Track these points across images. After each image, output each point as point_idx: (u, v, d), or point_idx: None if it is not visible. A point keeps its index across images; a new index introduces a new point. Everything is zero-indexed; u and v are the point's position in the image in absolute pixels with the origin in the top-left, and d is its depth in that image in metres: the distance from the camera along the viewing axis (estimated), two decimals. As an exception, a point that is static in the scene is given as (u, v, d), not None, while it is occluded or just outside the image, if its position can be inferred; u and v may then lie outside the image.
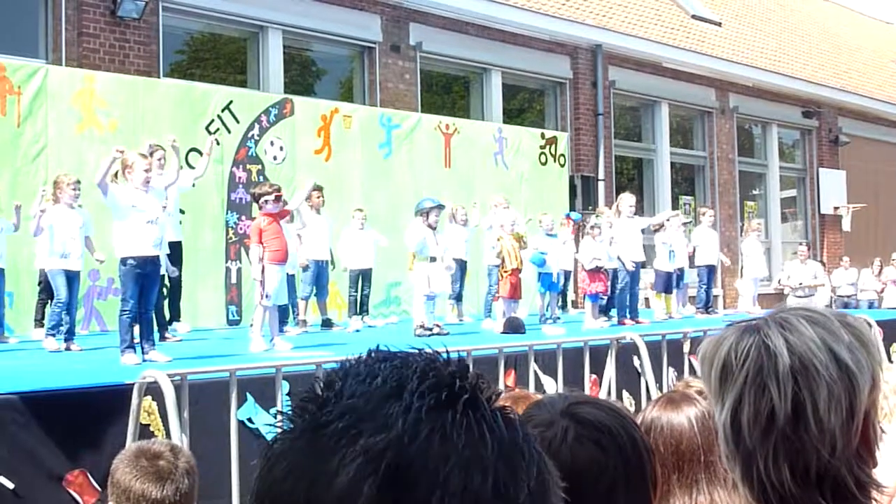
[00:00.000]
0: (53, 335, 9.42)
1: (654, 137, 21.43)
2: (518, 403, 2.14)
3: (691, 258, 15.24)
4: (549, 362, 8.54)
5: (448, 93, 18.56)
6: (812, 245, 23.90)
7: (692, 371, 9.59)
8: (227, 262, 13.09)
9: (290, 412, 0.88)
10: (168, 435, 5.75)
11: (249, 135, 13.42)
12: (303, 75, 16.31)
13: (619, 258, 13.06)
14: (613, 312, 13.25)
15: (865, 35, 32.16)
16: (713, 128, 22.51)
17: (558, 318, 13.36)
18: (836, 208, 25.06)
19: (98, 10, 12.94)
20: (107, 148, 11.26)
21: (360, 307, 12.65)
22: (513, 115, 18.65)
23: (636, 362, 9.15)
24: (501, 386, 7.33)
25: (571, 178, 18.25)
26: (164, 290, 10.55)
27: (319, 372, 6.55)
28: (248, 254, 12.78)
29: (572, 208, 17.03)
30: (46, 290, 10.39)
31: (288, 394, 6.59)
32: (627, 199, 13.49)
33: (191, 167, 12.23)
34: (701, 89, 22.06)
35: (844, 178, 25.44)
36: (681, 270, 14.73)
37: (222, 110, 13.15)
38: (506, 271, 11.90)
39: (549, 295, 13.23)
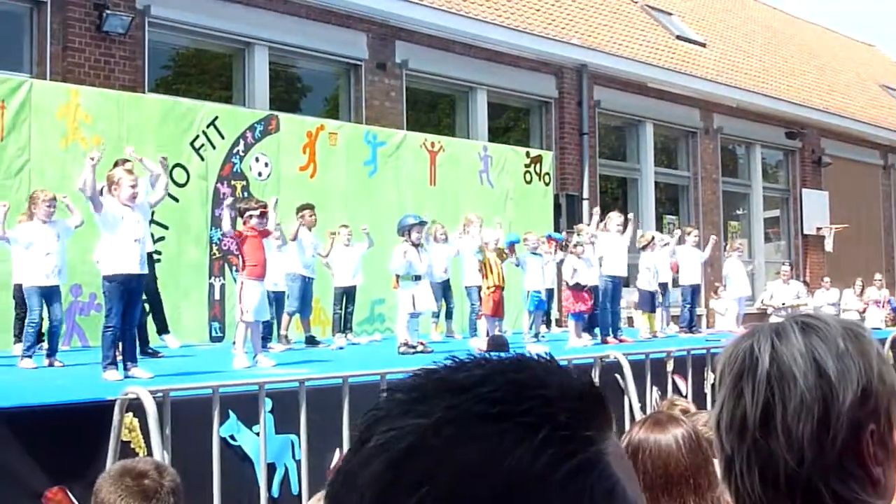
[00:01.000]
0: (30, 356, 9.24)
1: (639, 157, 21.50)
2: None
3: (674, 277, 15.28)
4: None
5: (433, 111, 18.59)
6: (795, 265, 24.02)
7: (676, 390, 9.60)
8: (210, 278, 13.04)
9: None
10: (150, 452, 5.71)
11: (234, 151, 13.40)
12: (288, 92, 16.30)
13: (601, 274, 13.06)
14: (597, 331, 13.25)
15: (848, 57, 32.40)
16: (697, 148, 22.60)
17: (542, 336, 13.36)
18: (818, 228, 25.17)
19: (83, 25, 12.91)
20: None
21: (343, 324, 12.62)
22: (498, 134, 18.69)
23: (620, 382, 9.14)
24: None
25: (556, 197, 18.28)
26: (146, 306, 10.47)
27: (301, 390, 6.53)
28: (231, 270, 12.78)
29: (557, 227, 17.07)
30: (22, 306, 10.31)
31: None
32: (616, 218, 13.51)
33: (176, 184, 12.22)
34: (685, 109, 22.15)
35: (827, 198, 25.56)
36: (664, 289, 14.76)
37: (207, 126, 13.13)
38: (489, 288, 11.89)
39: (535, 313, 13.24)
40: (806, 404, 1.33)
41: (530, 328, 13.39)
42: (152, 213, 9.98)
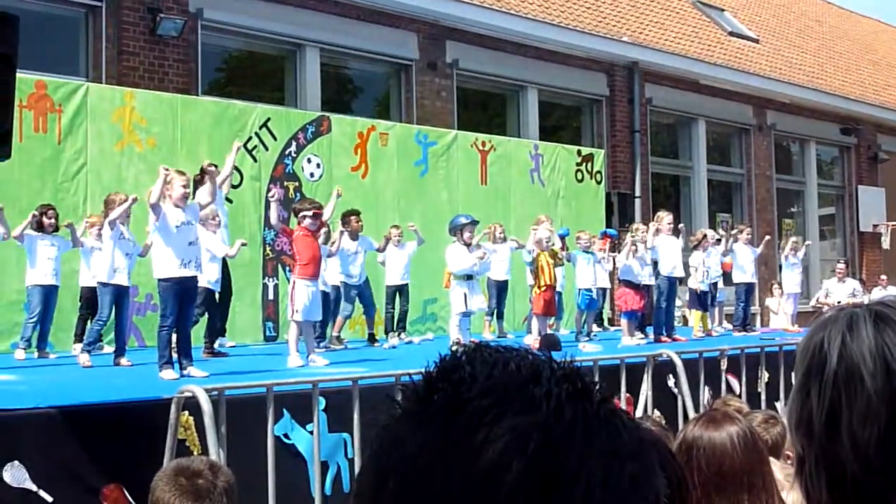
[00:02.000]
0: (89, 351, 9.46)
1: (691, 155, 21.32)
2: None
3: (727, 276, 15.15)
4: (586, 380, 8.45)
5: (484, 110, 18.58)
6: (851, 263, 23.67)
7: (729, 389, 9.52)
8: (263, 278, 13.14)
9: (416, 389, 0.87)
10: (205, 450, 5.77)
11: (287, 152, 13.50)
12: (339, 93, 16.38)
13: (657, 274, 13.00)
14: (650, 330, 13.18)
15: (905, 51, 31.89)
16: (751, 145, 22.38)
17: (595, 335, 13.32)
18: (875, 226, 24.81)
19: (138, 29, 13.07)
20: (146, 165, 11.45)
21: (396, 323, 12.66)
22: (549, 133, 18.62)
23: (671, 381, 9.09)
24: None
25: (608, 196, 18.19)
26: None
27: (354, 389, 6.56)
28: (285, 270, 12.88)
29: (609, 225, 16.99)
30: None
31: (325, 410, 6.58)
32: (667, 217, 13.40)
33: (230, 185, 12.36)
34: (738, 106, 21.94)
35: (884, 195, 25.19)
36: (715, 288, 14.65)
37: (260, 128, 13.24)
38: (540, 288, 11.87)
39: (587, 312, 13.20)
40: (872, 408, 1.24)
41: (582, 327, 13.34)
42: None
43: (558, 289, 12.95)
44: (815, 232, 24.18)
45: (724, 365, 9.52)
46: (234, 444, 5.95)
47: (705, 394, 9.03)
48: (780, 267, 16.86)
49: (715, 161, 22.00)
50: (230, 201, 12.38)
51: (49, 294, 10.30)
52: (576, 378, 0.85)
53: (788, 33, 26.25)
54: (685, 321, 15.59)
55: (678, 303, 14.24)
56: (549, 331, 12.36)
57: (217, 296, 10.69)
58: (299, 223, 9.74)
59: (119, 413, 6.25)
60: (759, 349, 10.09)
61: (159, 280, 8.51)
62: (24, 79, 10.14)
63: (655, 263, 13.20)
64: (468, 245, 11.35)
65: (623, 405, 8.50)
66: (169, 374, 8.08)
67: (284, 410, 6.62)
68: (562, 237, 13.27)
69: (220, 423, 5.81)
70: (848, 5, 32.24)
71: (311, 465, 6.65)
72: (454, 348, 0.89)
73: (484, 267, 12.15)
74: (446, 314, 13.21)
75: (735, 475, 2.35)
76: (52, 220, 10.28)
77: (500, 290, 13.72)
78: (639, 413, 8.37)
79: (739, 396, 8.35)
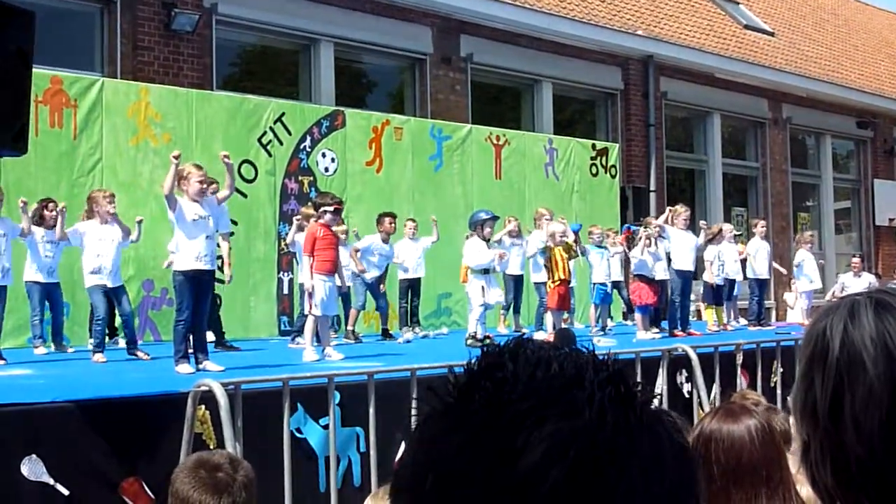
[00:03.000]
0: (100, 351, 9.44)
1: (707, 148, 21.28)
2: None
3: (742, 269, 15.09)
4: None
5: (498, 104, 18.56)
6: (867, 257, 23.58)
7: (749, 384, 9.49)
8: (278, 273, 13.16)
9: (458, 384, 0.86)
10: (221, 443, 5.78)
11: (301, 147, 13.51)
12: (354, 87, 16.39)
13: (671, 268, 12.97)
14: (664, 324, 13.15)
15: (921, 44, 31.72)
16: (766, 138, 22.31)
17: (610, 329, 13.30)
18: (891, 220, 24.72)
19: (153, 24, 13.11)
20: (161, 160, 11.45)
21: (410, 317, 12.67)
22: (563, 126, 18.59)
23: (685, 374, 9.07)
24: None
25: (622, 190, 18.16)
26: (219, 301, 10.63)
27: (370, 383, 6.57)
28: (299, 264, 12.89)
29: (623, 219, 16.95)
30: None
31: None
32: (684, 213, 13.32)
33: (245, 180, 12.38)
34: (753, 100, 21.87)
35: (900, 189, 25.10)
36: (731, 282, 14.60)
37: (274, 122, 13.25)
38: (554, 282, 11.86)
39: (601, 306, 13.18)
40: (874, 393, 1.26)
41: (597, 321, 13.32)
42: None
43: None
44: (831, 226, 24.10)
45: (739, 359, 9.50)
46: (249, 437, 5.97)
47: (721, 387, 9.01)
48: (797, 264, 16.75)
49: (730, 155, 21.95)
50: (244, 196, 12.42)
51: (50, 290, 10.23)
52: (619, 381, 0.85)
53: (804, 26, 26.14)
54: (699, 315, 15.56)
55: (693, 297, 14.20)
56: (563, 325, 12.35)
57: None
58: (319, 218, 9.70)
59: (136, 407, 6.27)
60: (774, 344, 10.07)
61: (174, 272, 8.53)
62: (40, 74, 10.16)
63: (669, 258, 13.16)
64: (487, 240, 11.37)
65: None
66: (185, 368, 8.10)
67: (298, 404, 6.63)
68: (574, 232, 13.25)
69: (237, 416, 5.83)
70: (864, -2, 32.09)
71: (322, 459, 6.67)
72: (482, 343, 0.88)
73: (502, 266, 12.20)
74: (461, 309, 13.23)
75: (753, 468, 2.35)
76: (53, 213, 10.19)
77: (516, 285, 13.71)
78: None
79: (755, 390, 8.33)
